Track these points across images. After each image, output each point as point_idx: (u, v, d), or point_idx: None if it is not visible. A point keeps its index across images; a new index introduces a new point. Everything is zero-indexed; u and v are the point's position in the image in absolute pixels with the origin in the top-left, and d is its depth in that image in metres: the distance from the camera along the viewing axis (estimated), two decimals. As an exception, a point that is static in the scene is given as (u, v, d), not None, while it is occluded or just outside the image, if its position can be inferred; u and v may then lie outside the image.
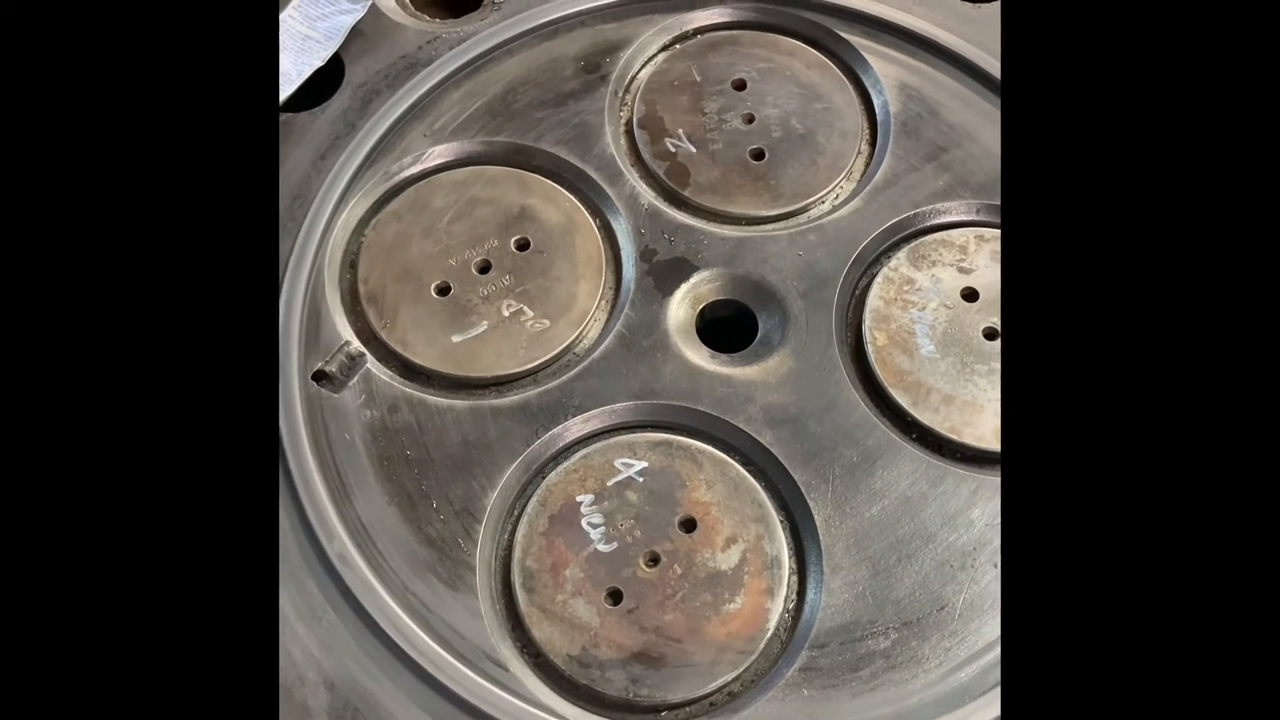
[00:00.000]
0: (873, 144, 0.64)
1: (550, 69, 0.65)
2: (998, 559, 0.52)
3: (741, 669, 0.50)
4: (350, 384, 0.56)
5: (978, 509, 0.53)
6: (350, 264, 0.60)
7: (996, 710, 0.48)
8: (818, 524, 0.53)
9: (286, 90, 0.63)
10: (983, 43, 0.65)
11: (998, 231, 0.60)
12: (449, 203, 0.61)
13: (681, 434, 0.55)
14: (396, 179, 0.62)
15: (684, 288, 0.59)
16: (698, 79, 0.65)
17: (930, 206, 0.61)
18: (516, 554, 0.52)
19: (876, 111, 0.65)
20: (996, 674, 0.49)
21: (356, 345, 0.57)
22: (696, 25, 0.68)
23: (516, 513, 0.53)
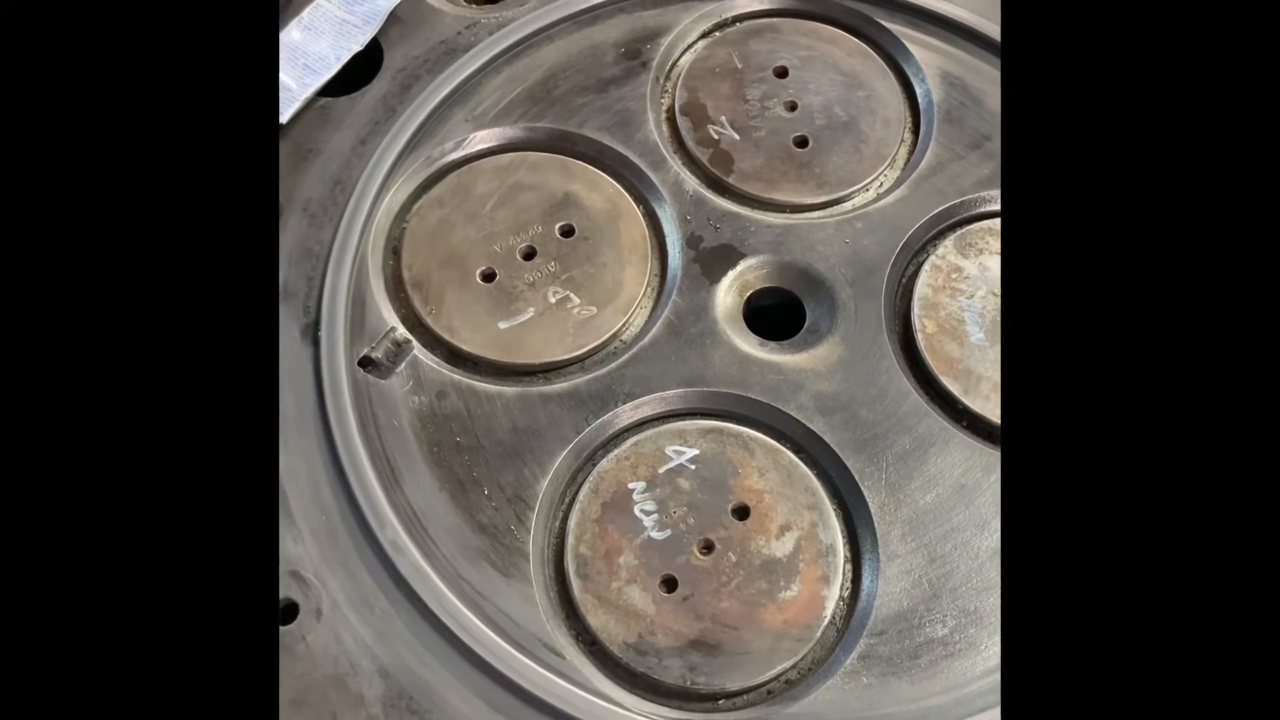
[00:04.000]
0: (916, 132, 0.64)
1: (591, 55, 0.65)
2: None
3: (799, 657, 0.49)
4: (397, 370, 0.55)
5: (1032, 496, 0.53)
6: (394, 250, 0.59)
7: (1057, 697, 0.48)
8: (872, 511, 0.52)
9: (325, 75, 0.63)
10: (1023, 32, 0.65)
11: (1044, 220, 0.60)
12: (492, 188, 0.60)
13: (732, 421, 0.55)
14: (439, 164, 0.61)
15: (731, 275, 0.58)
16: (739, 66, 0.65)
17: (976, 195, 0.61)
18: (570, 541, 0.51)
19: (919, 100, 0.65)
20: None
21: (402, 331, 0.56)
22: (736, 12, 0.68)
23: (568, 500, 0.53)
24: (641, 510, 0.52)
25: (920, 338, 0.57)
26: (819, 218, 0.60)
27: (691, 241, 0.59)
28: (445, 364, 0.56)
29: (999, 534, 0.52)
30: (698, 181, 0.61)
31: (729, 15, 0.68)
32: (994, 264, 0.59)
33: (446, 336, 0.56)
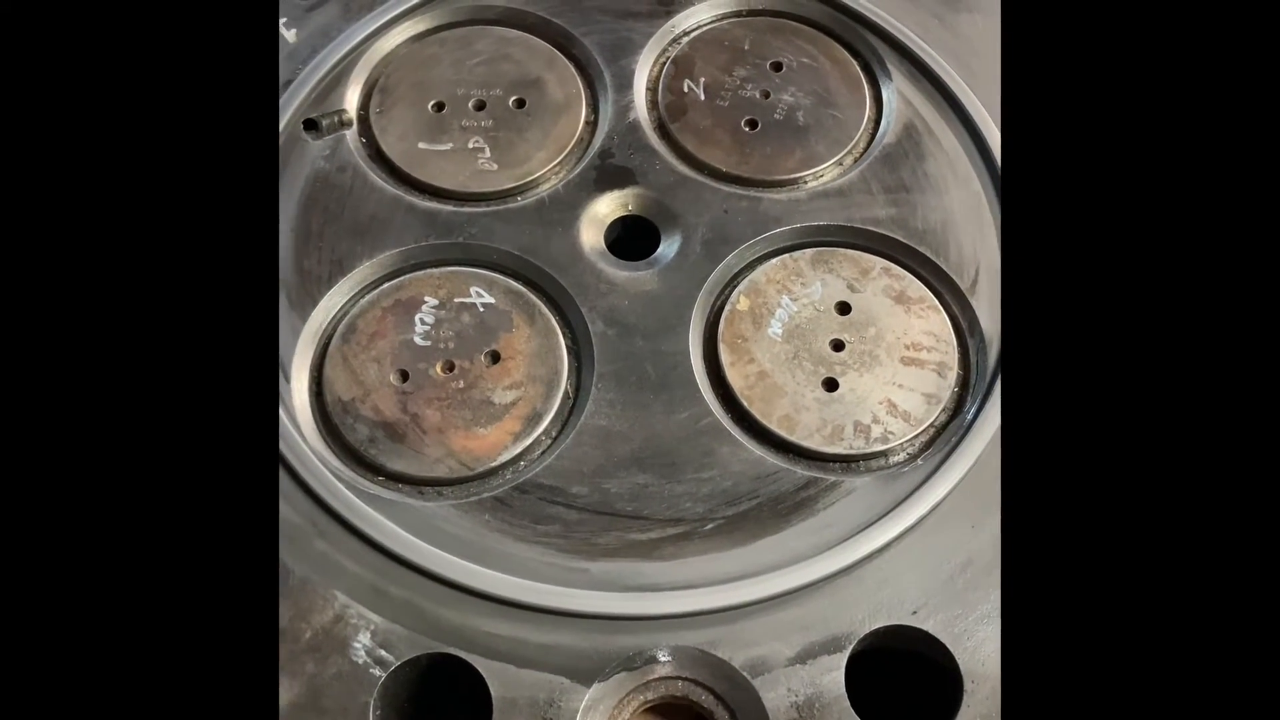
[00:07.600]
0: (857, 161, 0.68)
1: (633, -12, 0.74)
2: (716, 521, 0.56)
3: (454, 477, 0.57)
4: (326, 139, 0.67)
5: (719, 467, 0.57)
6: (387, 60, 0.71)
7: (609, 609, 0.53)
8: (588, 409, 0.59)
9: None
10: (1010, 125, 0.68)
11: (904, 273, 0.63)
12: (487, 49, 0.71)
13: (537, 295, 0.63)
14: (460, 17, 0.73)
15: (615, 193, 0.66)
16: (745, 48, 0.72)
17: (859, 226, 0.64)
18: (354, 310, 0.61)
19: (876, 137, 0.69)
20: (638, 603, 0.54)
21: (350, 114, 0.68)
22: (776, 7, 0.74)
23: (377, 284, 0.63)
24: (421, 319, 0.61)
25: (729, 307, 0.62)
26: (717, 185, 0.66)
27: (603, 154, 0.67)
28: (363, 153, 0.67)
29: (681, 479, 0.57)
30: (646, 115, 0.69)
31: (766, 5, 0.74)
32: (835, 285, 0.63)
33: (377, 132, 0.67)
